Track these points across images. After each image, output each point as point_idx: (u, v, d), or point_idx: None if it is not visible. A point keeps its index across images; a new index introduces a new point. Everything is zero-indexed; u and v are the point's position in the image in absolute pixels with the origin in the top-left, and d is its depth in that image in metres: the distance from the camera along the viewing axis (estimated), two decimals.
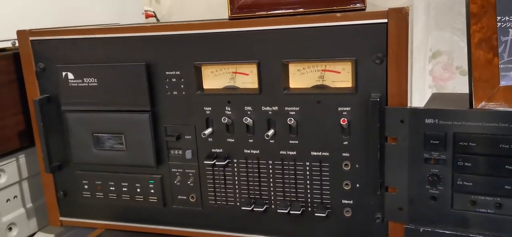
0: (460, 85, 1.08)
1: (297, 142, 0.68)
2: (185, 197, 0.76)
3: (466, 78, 0.60)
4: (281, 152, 0.69)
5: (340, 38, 0.63)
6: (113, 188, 0.79)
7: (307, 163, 0.69)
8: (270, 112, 0.68)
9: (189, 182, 0.75)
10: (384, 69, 0.61)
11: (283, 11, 0.70)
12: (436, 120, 0.59)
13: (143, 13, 1.18)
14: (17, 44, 0.79)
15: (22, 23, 0.80)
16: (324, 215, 0.69)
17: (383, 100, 0.62)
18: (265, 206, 0.72)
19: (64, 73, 0.75)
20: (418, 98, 1.05)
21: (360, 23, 0.61)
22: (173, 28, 0.70)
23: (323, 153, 0.67)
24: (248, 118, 0.69)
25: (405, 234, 0.63)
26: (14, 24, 0.79)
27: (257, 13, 0.72)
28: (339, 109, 0.65)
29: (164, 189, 0.77)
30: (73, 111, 0.76)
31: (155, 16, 1.25)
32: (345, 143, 0.66)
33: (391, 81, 0.61)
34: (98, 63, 0.74)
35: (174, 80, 0.71)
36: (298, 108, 0.67)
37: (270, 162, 0.70)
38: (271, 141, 0.69)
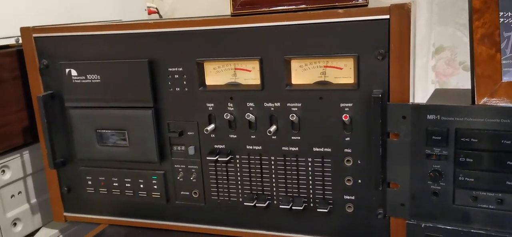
0: (463, 80, 1.07)
1: (299, 138, 0.68)
2: (188, 193, 0.76)
3: (469, 73, 0.60)
4: (283, 148, 0.70)
5: (342, 34, 0.63)
6: (117, 184, 0.79)
7: (309, 159, 0.69)
8: (272, 108, 0.68)
9: (192, 178, 0.75)
10: (386, 65, 0.61)
11: (285, 7, 0.70)
12: (438, 116, 0.59)
13: (145, 10, 1.18)
14: (20, 41, 0.80)
15: (26, 20, 0.81)
16: (326, 211, 0.69)
17: (385, 96, 0.62)
18: (268, 201, 0.72)
19: (67, 70, 0.75)
20: (421, 93, 1.04)
21: (362, 19, 0.61)
22: (176, 25, 0.70)
23: (325, 149, 0.68)
24: (251, 114, 0.69)
25: (407, 229, 0.63)
26: (18, 21, 0.79)
27: (259, 10, 0.72)
28: (341, 105, 0.65)
29: (167, 185, 0.77)
30: (77, 107, 0.77)
31: (158, 13, 1.24)
32: (347, 139, 0.66)
33: (393, 77, 0.61)
34: (101, 59, 0.74)
35: (176, 76, 0.72)
36: (300, 104, 0.67)
37: (272, 158, 0.71)
38: (273, 137, 0.69)
